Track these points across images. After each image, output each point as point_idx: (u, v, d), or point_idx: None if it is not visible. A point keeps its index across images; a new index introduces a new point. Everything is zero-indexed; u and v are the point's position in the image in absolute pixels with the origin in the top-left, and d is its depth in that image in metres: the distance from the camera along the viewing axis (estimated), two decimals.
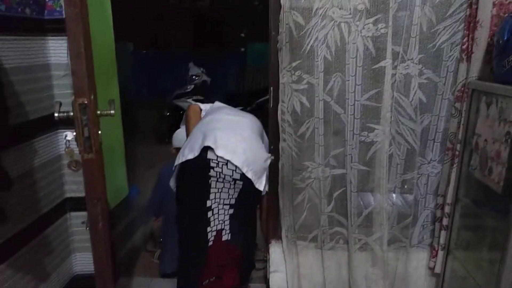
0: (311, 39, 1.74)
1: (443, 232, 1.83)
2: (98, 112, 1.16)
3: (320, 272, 1.98)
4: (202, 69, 5.13)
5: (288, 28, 1.73)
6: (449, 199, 1.78)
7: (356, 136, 1.81)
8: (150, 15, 8.25)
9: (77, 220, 2.07)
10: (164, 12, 8.63)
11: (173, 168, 1.78)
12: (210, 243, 1.65)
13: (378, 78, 1.75)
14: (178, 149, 2.39)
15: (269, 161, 1.76)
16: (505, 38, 1.41)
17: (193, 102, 5.05)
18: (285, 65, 1.77)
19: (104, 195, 1.26)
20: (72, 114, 1.13)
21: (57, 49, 1.86)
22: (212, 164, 1.62)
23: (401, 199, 1.90)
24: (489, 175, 1.51)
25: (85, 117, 1.10)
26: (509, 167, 1.39)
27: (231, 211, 1.68)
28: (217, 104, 2.03)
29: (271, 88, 1.87)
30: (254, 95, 5.23)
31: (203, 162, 1.62)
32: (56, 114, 1.13)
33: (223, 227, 1.65)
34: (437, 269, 1.87)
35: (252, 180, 1.63)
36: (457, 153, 1.73)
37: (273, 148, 1.91)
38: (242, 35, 8.67)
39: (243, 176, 1.63)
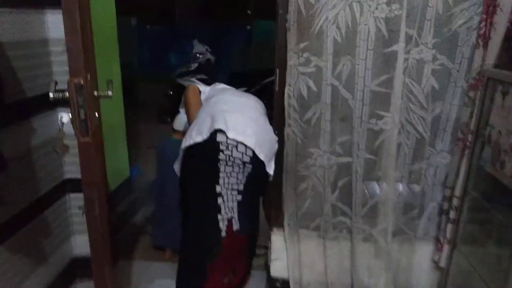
0: (320, 19, 1.65)
1: (449, 225, 1.78)
2: (95, 93, 1.09)
3: (322, 261, 1.95)
4: (206, 46, 5.00)
5: (297, 7, 1.65)
6: (457, 192, 1.72)
7: (364, 123, 1.75)
8: None
9: (76, 202, 2.03)
10: None
11: (180, 151, 1.72)
12: (224, 234, 1.59)
13: (390, 62, 1.67)
14: (176, 131, 2.34)
15: (277, 145, 1.71)
16: None
17: (197, 82, 4.98)
18: (292, 46, 1.69)
19: (102, 179, 1.21)
20: (67, 94, 1.07)
21: (55, 24, 1.78)
22: (221, 147, 1.56)
23: (407, 190, 1.85)
24: (501, 169, 1.45)
25: (81, 98, 1.04)
26: None
27: (239, 197, 1.62)
28: (219, 85, 1.96)
29: (277, 70, 1.80)
30: (259, 76, 5.12)
31: (212, 144, 1.56)
32: (51, 94, 1.08)
33: (233, 215, 1.60)
34: (442, 263, 1.83)
35: (264, 162, 1.59)
36: (468, 144, 1.66)
37: (278, 133, 1.85)
38: (249, 12, 8.46)
39: (252, 159, 1.58)
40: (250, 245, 1.79)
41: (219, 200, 1.59)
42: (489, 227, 1.65)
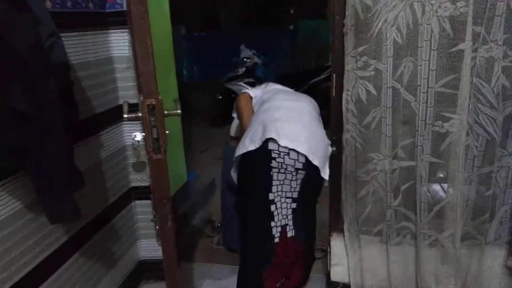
0: (379, 21, 1.61)
1: None
2: (166, 112, 1.14)
3: (385, 267, 1.90)
4: (253, 51, 5.05)
5: (354, 10, 1.61)
6: None
7: (428, 126, 1.68)
8: None
9: (141, 208, 2.14)
10: None
11: (234, 160, 1.77)
12: (277, 240, 1.64)
13: (456, 62, 1.59)
14: (233, 138, 2.37)
15: (330, 149, 1.70)
16: None
17: (245, 86, 5.04)
18: (350, 50, 1.66)
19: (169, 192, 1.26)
20: (140, 114, 1.13)
21: (119, 42, 1.89)
22: (273, 155, 1.61)
23: (477, 193, 1.75)
24: None
25: (153, 118, 1.08)
26: None
27: (294, 205, 1.67)
28: (272, 86, 1.97)
29: (334, 75, 1.78)
30: (306, 76, 5.09)
31: (264, 152, 1.61)
32: (125, 116, 1.14)
33: (287, 223, 1.64)
34: None
35: (319, 167, 1.60)
36: None
37: (336, 139, 1.83)
38: (292, 11, 8.42)
39: (305, 165, 1.61)
40: (307, 250, 1.80)
41: (272, 208, 1.63)
42: None
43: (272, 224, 1.64)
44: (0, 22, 0.89)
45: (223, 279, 2.24)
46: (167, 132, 1.15)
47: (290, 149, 1.58)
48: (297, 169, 1.62)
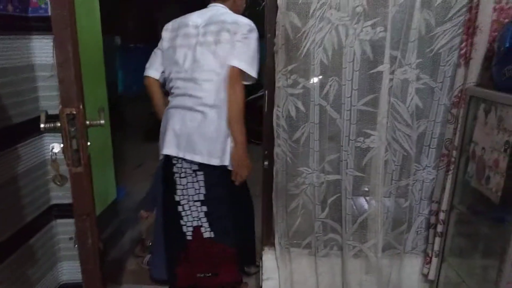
0: (307, 42, 1.69)
1: (437, 239, 1.81)
2: (88, 122, 1.09)
3: (314, 279, 1.96)
4: None
5: (284, 30, 1.68)
6: (444, 206, 1.76)
7: (351, 142, 1.78)
8: (138, 7, 8.08)
9: (63, 227, 1.99)
10: (152, 4, 8.46)
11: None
12: (189, 237, 1.84)
13: (375, 83, 1.72)
14: None
15: (227, 139, 1.73)
16: (506, 45, 1.38)
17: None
18: (281, 68, 1.72)
19: (93, 208, 1.20)
20: (59, 124, 1.06)
21: (42, 49, 1.77)
22: (173, 161, 1.78)
23: (395, 205, 1.88)
24: (486, 184, 1.49)
25: (73, 128, 1.03)
26: (507, 177, 1.37)
27: (205, 208, 1.81)
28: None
29: (266, 92, 1.82)
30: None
31: (166, 159, 1.80)
32: (42, 125, 1.07)
33: (200, 224, 1.81)
34: (431, 276, 1.86)
35: (210, 159, 1.71)
36: (452, 159, 1.71)
37: (267, 153, 1.87)
38: None
39: (201, 165, 1.75)
40: (241, 254, 1.92)
41: (180, 208, 1.82)
42: (476, 239, 1.69)
43: (182, 222, 1.83)
44: None
45: None
46: (88, 143, 1.10)
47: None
48: (195, 171, 1.76)
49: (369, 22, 1.65)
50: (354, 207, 1.88)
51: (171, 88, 1.84)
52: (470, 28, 1.60)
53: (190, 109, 1.73)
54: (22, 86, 1.71)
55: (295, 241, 1.95)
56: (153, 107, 2.05)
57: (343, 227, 1.87)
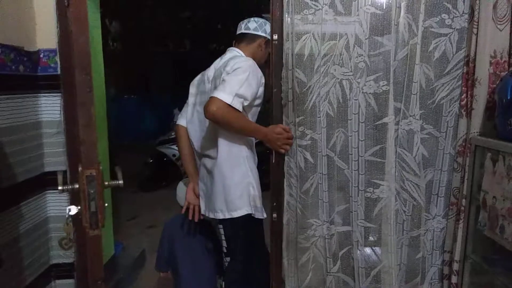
0: (313, 96, 1.73)
1: None
2: (106, 183, 1.07)
3: None
4: None
5: (292, 85, 1.73)
6: (457, 256, 1.74)
7: (361, 192, 1.78)
8: (132, 60, 8.29)
9: None
10: (145, 57, 8.70)
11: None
12: None
13: (381, 133, 1.75)
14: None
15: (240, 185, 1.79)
16: (509, 97, 1.44)
17: (177, 149, 4.97)
18: (291, 120, 1.75)
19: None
20: (77, 186, 1.04)
21: (49, 106, 1.79)
22: None
23: (408, 257, 1.84)
24: (501, 233, 1.48)
25: (93, 190, 1.01)
26: None
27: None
28: None
29: None
30: None
31: None
32: (60, 187, 1.04)
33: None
34: None
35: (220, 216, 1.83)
36: (462, 208, 1.71)
37: (276, 205, 1.85)
38: None
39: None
40: None
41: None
42: None
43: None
44: None
45: None
46: (106, 204, 1.07)
47: None
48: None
49: (372, 77, 1.71)
50: (367, 260, 1.84)
51: None
52: (469, 81, 1.67)
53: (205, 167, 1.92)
54: (29, 143, 1.71)
55: None
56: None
57: (356, 281, 1.82)
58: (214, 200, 1.82)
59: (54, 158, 1.82)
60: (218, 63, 1.89)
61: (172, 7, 7.27)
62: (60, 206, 1.83)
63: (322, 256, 1.84)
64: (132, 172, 5.61)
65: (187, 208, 1.99)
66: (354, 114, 1.74)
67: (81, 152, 1.01)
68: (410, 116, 1.73)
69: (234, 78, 1.65)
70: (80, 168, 1.02)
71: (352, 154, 1.76)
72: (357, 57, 1.69)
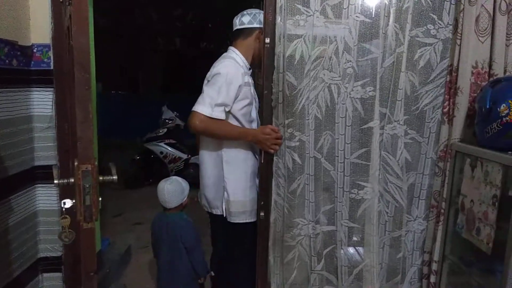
0: (302, 99, 1.79)
1: None
2: (101, 178, 1.10)
3: None
4: (175, 113, 5.10)
5: (282, 87, 1.77)
6: (436, 257, 1.81)
7: (346, 193, 1.84)
8: (120, 56, 8.24)
9: (49, 282, 1.91)
10: (135, 53, 8.65)
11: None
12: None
13: (367, 137, 1.81)
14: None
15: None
16: (488, 107, 1.51)
17: (165, 147, 4.98)
18: (281, 122, 1.79)
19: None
20: (73, 180, 1.07)
21: (41, 101, 1.80)
22: None
23: (389, 256, 1.91)
24: (477, 235, 1.56)
25: (88, 185, 1.04)
26: (497, 228, 1.45)
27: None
28: None
29: None
30: None
31: None
32: (56, 181, 1.07)
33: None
34: None
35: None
36: (442, 211, 1.79)
37: (263, 204, 1.89)
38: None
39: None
40: None
41: None
42: None
43: None
44: None
45: None
46: (100, 199, 1.10)
47: None
48: None
49: (359, 82, 1.77)
50: (351, 259, 1.90)
51: None
52: (451, 89, 1.75)
53: None
54: (20, 137, 1.72)
55: None
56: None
57: (339, 279, 1.88)
58: (202, 191, 1.99)
59: (45, 152, 1.83)
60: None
61: (163, 5, 7.25)
62: (49, 200, 1.84)
63: (307, 255, 1.89)
64: (119, 169, 5.60)
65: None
66: (341, 117, 1.79)
67: (77, 148, 1.04)
68: (395, 121, 1.80)
69: (212, 87, 1.76)
70: (76, 163, 1.05)
71: (338, 156, 1.82)
72: (345, 62, 1.75)
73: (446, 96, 1.77)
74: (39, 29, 1.76)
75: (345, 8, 1.71)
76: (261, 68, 1.83)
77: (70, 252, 1.82)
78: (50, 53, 1.76)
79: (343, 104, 1.78)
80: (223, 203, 1.90)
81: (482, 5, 1.65)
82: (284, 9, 1.71)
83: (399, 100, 1.78)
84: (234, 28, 1.94)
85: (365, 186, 1.84)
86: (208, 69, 1.89)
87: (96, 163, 1.07)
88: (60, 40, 1.71)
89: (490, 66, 1.71)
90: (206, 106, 1.73)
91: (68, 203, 1.07)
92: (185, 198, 2.15)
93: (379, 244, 1.87)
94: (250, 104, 1.88)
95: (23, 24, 1.71)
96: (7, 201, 1.63)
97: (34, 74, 1.77)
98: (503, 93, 1.49)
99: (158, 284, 2.19)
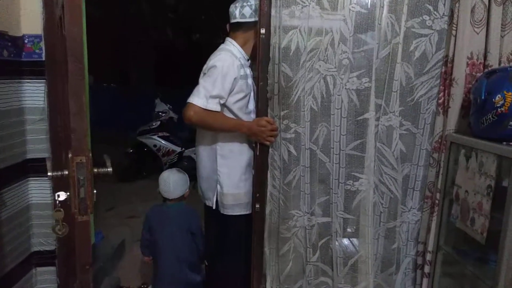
0: (298, 90, 1.77)
1: (425, 280, 1.86)
2: (95, 170, 1.09)
3: None
4: (169, 105, 5.06)
5: (278, 79, 1.76)
6: (430, 247, 1.83)
7: (341, 184, 1.84)
8: (111, 48, 8.14)
9: (43, 276, 1.90)
10: (126, 45, 8.55)
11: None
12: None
13: (362, 129, 1.81)
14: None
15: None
16: (483, 97, 1.52)
17: (158, 139, 4.95)
18: (276, 114, 1.78)
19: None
20: (67, 172, 1.06)
21: (33, 93, 1.77)
22: None
23: (384, 247, 1.92)
24: (471, 226, 1.57)
25: (82, 177, 1.02)
26: (492, 219, 1.46)
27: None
28: None
29: None
30: None
31: None
32: (49, 173, 1.05)
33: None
34: None
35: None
36: (436, 201, 1.80)
37: (259, 196, 1.89)
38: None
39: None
40: None
41: None
42: (462, 280, 1.75)
43: None
44: None
45: None
46: (95, 191, 1.09)
47: None
48: None
49: (355, 73, 1.77)
50: (345, 250, 1.91)
51: None
52: (446, 80, 1.75)
53: None
54: (11, 129, 1.69)
55: (286, 286, 1.94)
56: None
57: (334, 270, 1.89)
58: (198, 182, 2.04)
59: (37, 145, 1.80)
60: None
61: None
62: (42, 193, 1.82)
63: (302, 246, 1.90)
64: (111, 162, 5.55)
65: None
66: (337, 109, 1.79)
67: (71, 139, 1.03)
68: (390, 112, 1.79)
69: (208, 79, 1.76)
70: (70, 155, 1.03)
71: (333, 148, 1.82)
72: (341, 54, 1.74)
73: (441, 87, 1.77)
74: (30, 19, 1.72)
75: None
76: (257, 59, 1.81)
77: (64, 246, 1.80)
78: (42, 44, 1.73)
79: (339, 95, 1.78)
80: (215, 196, 1.92)
81: None
82: (280, 0, 1.69)
83: (394, 91, 1.78)
84: (233, 20, 1.90)
85: (360, 178, 1.84)
86: (201, 61, 1.88)
87: (90, 155, 1.06)
88: (52, 30, 1.67)
89: (485, 57, 1.71)
90: (201, 98, 1.73)
91: (62, 195, 1.06)
92: (187, 189, 2.19)
93: (374, 235, 1.88)
94: (245, 96, 1.87)
95: (13, 14, 1.67)
96: None
97: (26, 66, 1.73)
98: (498, 84, 1.49)
99: (159, 278, 2.17)
